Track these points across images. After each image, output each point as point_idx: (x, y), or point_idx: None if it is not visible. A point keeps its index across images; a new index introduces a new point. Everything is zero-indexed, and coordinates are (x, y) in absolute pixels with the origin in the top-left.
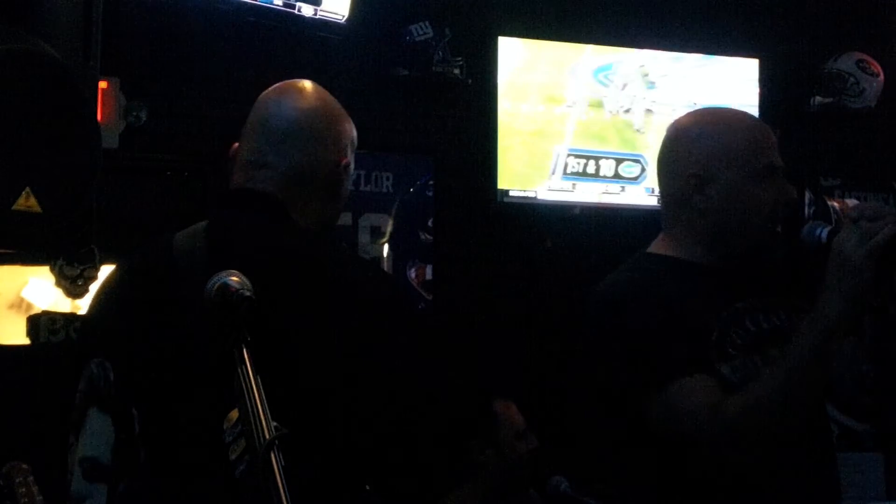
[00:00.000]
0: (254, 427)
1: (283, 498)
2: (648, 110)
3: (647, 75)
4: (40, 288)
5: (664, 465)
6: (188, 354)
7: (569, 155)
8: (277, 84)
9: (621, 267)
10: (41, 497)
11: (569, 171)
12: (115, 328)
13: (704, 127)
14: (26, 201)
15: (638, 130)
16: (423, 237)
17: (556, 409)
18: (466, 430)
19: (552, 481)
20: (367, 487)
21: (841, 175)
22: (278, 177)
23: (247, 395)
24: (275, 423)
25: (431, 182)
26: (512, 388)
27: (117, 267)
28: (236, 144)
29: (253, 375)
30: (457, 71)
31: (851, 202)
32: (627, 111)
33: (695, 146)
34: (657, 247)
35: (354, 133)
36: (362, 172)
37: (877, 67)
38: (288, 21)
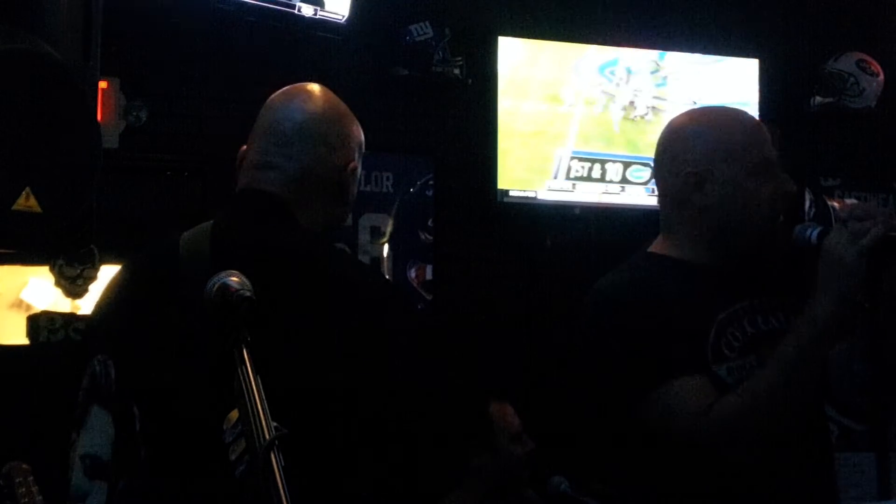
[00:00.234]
0: (254, 427)
1: (283, 498)
2: (654, 108)
3: (656, 71)
4: (40, 288)
5: (661, 465)
6: (189, 354)
7: (572, 158)
8: (286, 87)
9: (621, 266)
10: (41, 497)
11: (572, 175)
12: (117, 327)
13: (700, 125)
14: (26, 201)
15: (643, 120)
16: (423, 237)
17: (556, 409)
18: (465, 432)
19: (552, 481)
20: (368, 488)
21: (841, 175)
22: (285, 179)
23: (247, 396)
24: (275, 424)
25: (431, 182)
26: (511, 388)
27: (123, 267)
28: (244, 147)
29: (253, 375)
30: (457, 71)
31: (851, 202)
32: (635, 109)
33: (691, 145)
34: (657, 246)
35: (362, 136)
36: (362, 172)
37: (877, 67)
38: (288, 21)
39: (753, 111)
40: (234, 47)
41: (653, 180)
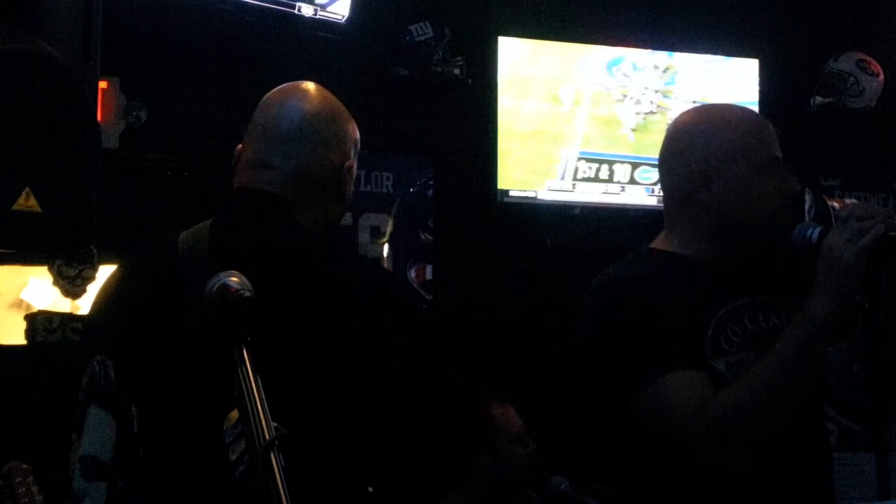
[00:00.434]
0: (254, 427)
1: (283, 498)
2: (660, 106)
3: (667, 70)
4: (40, 288)
5: (659, 463)
6: (189, 355)
7: (579, 159)
8: (282, 85)
9: (621, 261)
10: (41, 497)
11: (579, 176)
12: (117, 327)
13: (706, 123)
14: (26, 201)
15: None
16: (423, 237)
17: (556, 409)
18: (465, 431)
19: (552, 481)
20: (369, 489)
21: (841, 175)
22: (283, 177)
23: (247, 396)
24: (275, 424)
25: (431, 182)
26: (511, 387)
27: (121, 266)
28: (241, 146)
29: (253, 376)
30: (457, 71)
31: (851, 202)
32: (640, 105)
33: (698, 143)
34: (659, 243)
35: (358, 135)
36: (362, 172)
37: (877, 67)
38: (288, 21)
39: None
40: (234, 47)
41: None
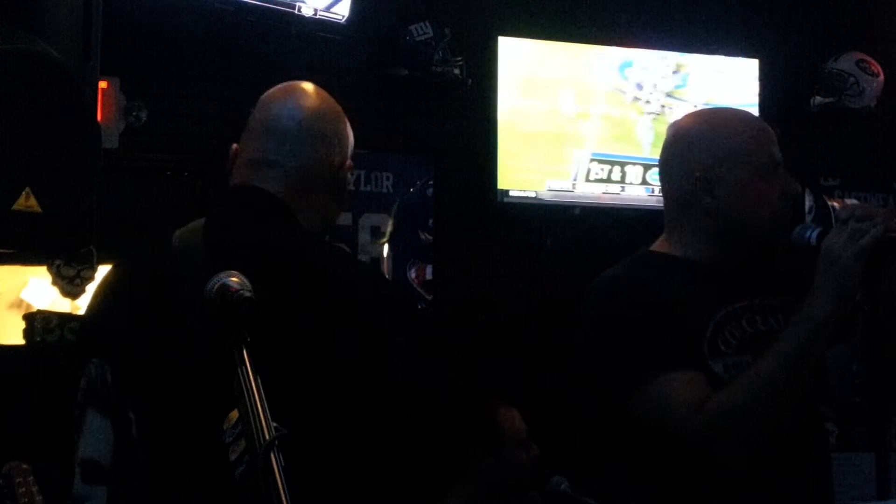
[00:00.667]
0: (254, 428)
1: (283, 498)
2: (668, 107)
3: (677, 71)
4: (40, 288)
5: (657, 463)
6: (187, 355)
7: (591, 160)
8: (280, 85)
9: (621, 262)
10: (41, 497)
11: (591, 177)
12: (113, 329)
13: (706, 128)
14: (26, 201)
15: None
16: (423, 237)
17: (556, 409)
18: (467, 432)
19: (552, 481)
20: (368, 488)
21: (841, 175)
22: (285, 177)
23: (247, 396)
24: (275, 424)
25: (431, 182)
26: (512, 387)
27: (116, 266)
28: (236, 146)
29: (253, 376)
30: (457, 71)
31: (852, 202)
32: (651, 109)
33: (699, 148)
34: (659, 245)
35: (352, 135)
36: (362, 172)
37: (877, 67)
38: (288, 21)
39: (753, 111)
40: (234, 47)
41: None
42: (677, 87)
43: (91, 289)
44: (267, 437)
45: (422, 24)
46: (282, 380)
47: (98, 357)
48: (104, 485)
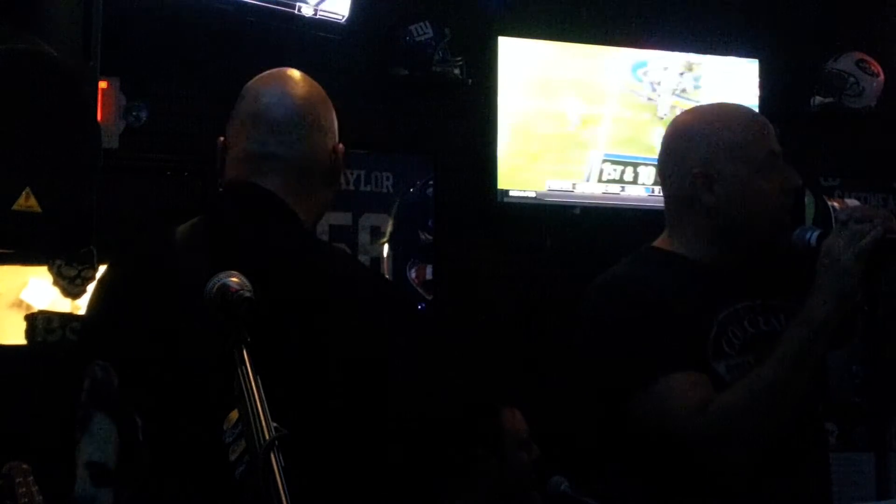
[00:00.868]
0: (254, 428)
1: (283, 499)
2: (677, 107)
3: (688, 72)
4: (40, 288)
5: (658, 463)
6: (188, 355)
7: (604, 161)
8: (264, 73)
9: (623, 260)
10: (41, 497)
11: (604, 178)
12: (115, 329)
13: (704, 124)
14: (26, 201)
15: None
16: (423, 237)
17: (556, 409)
18: (467, 432)
19: (552, 481)
20: (368, 488)
21: (841, 175)
22: (284, 168)
23: (247, 396)
24: (275, 424)
25: (431, 182)
26: (512, 388)
27: (115, 264)
28: (223, 138)
29: (253, 376)
30: (457, 71)
31: (852, 202)
32: (662, 112)
33: (696, 145)
34: (661, 242)
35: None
36: (362, 172)
37: (877, 67)
38: (288, 21)
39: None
40: (234, 47)
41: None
42: (686, 88)
43: (92, 287)
44: (267, 437)
45: (422, 24)
46: (282, 380)
47: (101, 359)
48: (110, 487)
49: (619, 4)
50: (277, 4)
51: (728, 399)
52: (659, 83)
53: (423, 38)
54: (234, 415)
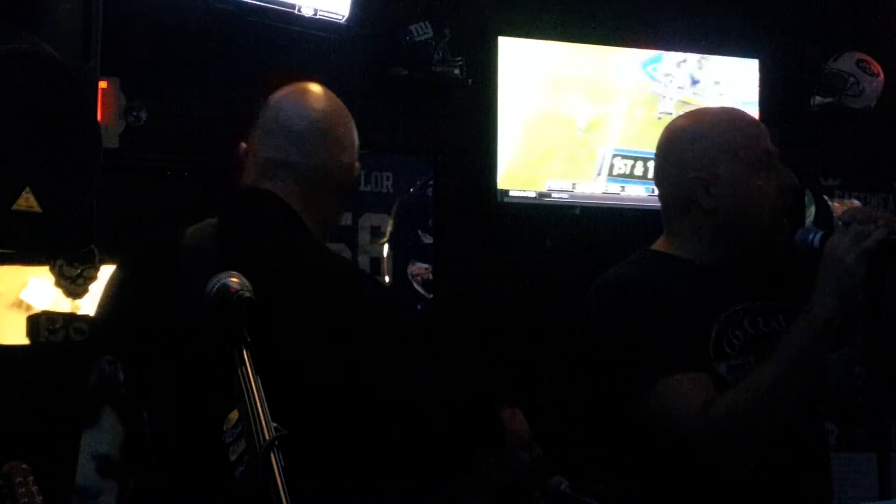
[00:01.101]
0: (254, 428)
1: (283, 499)
2: (687, 102)
3: (699, 70)
4: (40, 288)
5: (659, 463)
6: (190, 355)
7: (615, 156)
8: (289, 86)
9: (623, 262)
10: (41, 497)
11: (615, 172)
12: (123, 327)
13: (699, 127)
14: (26, 201)
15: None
16: (423, 237)
17: (557, 409)
18: (467, 434)
19: (552, 481)
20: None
21: (841, 175)
22: (298, 176)
23: (247, 396)
24: (275, 424)
25: (431, 182)
26: (511, 388)
27: (125, 263)
28: (245, 144)
29: (253, 376)
30: (457, 71)
31: (852, 203)
32: (665, 107)
33: (693, 147)
34: (661, 244)
35: (357, 137)
36: (362, 172)
37: (877, 67)
38: (288, 21)
39: (753, 111)
40: (234, 47)
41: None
42: (686, 86)
43: (94, 289)
44: (267, 437)
45: (422, 24)
46: (282, 382)
47: (110, 354)
48: (115, 479)
49: (620, 4)
50: (277, 4)
51: (730, 399)
52: (670, 78)
53: (423, 38)
54: (234, 415)
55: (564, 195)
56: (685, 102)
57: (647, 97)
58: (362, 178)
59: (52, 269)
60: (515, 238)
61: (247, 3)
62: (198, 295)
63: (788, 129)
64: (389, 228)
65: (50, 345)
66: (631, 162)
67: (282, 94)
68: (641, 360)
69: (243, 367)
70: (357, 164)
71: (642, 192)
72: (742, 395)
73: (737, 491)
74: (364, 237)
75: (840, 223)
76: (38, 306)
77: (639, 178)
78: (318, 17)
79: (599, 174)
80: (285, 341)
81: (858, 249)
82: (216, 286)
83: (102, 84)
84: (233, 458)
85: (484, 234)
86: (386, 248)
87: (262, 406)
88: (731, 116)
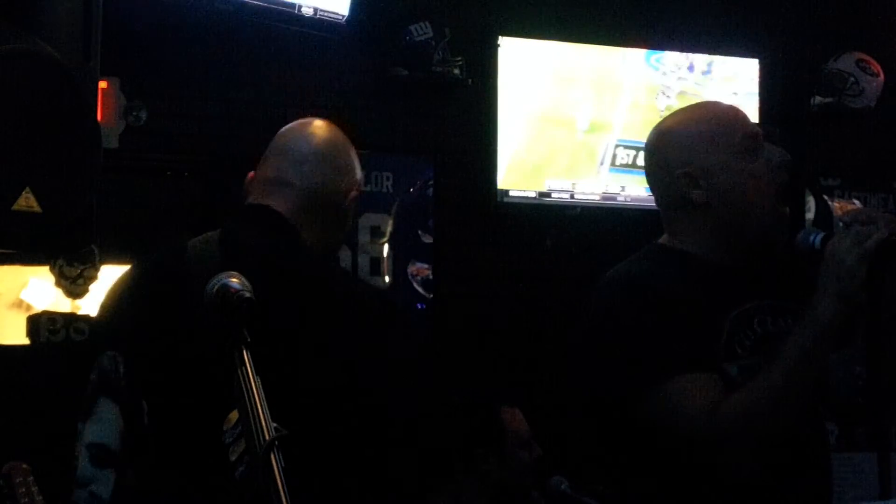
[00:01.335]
0: (254, 428)
1: (283, 499)
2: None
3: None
4: (40, 288)
5: (662, 464)
6: (191, 356)
7: (617, 146)
8: (298, 120)
9: (631, 258)
10: (41, 497)
11: (617, 162)
12: (127, 327)
13: (679, 124)
14: (26, 201)
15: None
16: (423, 237)
17: (557, 409)
18: (467, 434)
19: (552, 481)
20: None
21: (841, 175)
22: (296, 195)
23: (247, 397)
24: (275, 425)
25: (431, 182)
26: (512, 388)
27: (132, 267)
28: (252, 173)
29: (253, 377)
30: (457, 71)
31: (854, 203)
32: (668, 99)
33: (675, 145)
34: (667, 240)
35: (360, 168)
36: (363, 172)
37: (877, 67)
38: (288, 21)
39: (753, 111)
40: (234, 47)
41: None
42: (690, 75)
43: (94, 289)
44: (267, 437)
45: (422, 24)
46: (282, 383)
47: (111, 350)
48: (112, 468)
49: (620, 4)
50: (277, 4)
51: (737, 401)
52: (672, 69)
53: (423, 38)
54: (234, 415)
55: (564, 195)
56: (687, 93)
57: (650, 88)
58: (362, 178)
59: (52, 269)
60: (515, 238)
61: (247, 3)
62: (199, 296)
63: (788, 129)
64: (389, 228)
65: (50, 345)
66: (633, 152)
67: (289, 127)
68: (647, 360)
69: (243, 368)
70: (355, 193)
71: (642, 192)
72: (749, 396)
73: (737, 491)
74: (364, 237)
75: (841, 224)
76: (38, 306)
77: (641, 168)
78: (318, 16)
79: (602, 163)
80: (285, 341)
81: (859, 250)
82: (216, 286)
83: (102, 84)
84: (233, 458)
85: (484, 234)
86: (386, 248)
87: (262, 406)
88: (707, 108)
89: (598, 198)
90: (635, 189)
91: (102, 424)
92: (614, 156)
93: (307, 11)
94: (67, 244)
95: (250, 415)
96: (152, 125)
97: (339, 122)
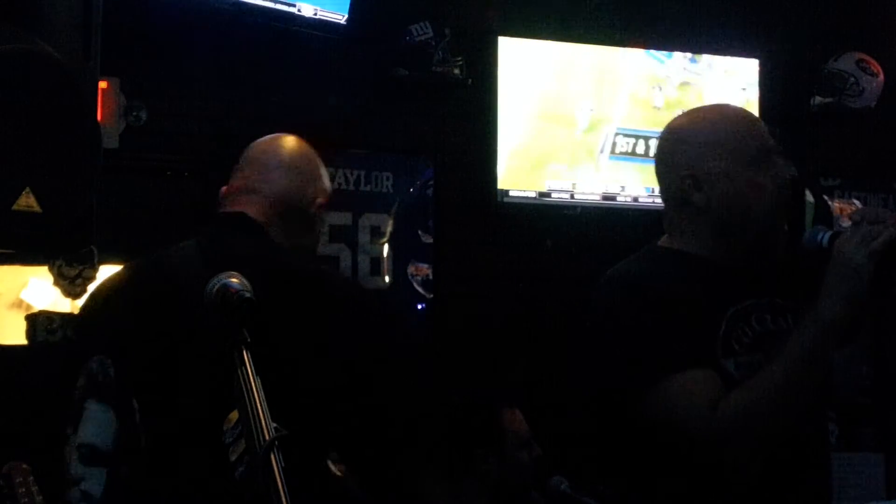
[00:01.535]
0: (254, 428)
1: (283, 498)
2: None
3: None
4: (40, 288)
5: (662, 463)
6: (188, 356)
7: (617, 134)
8: (267, 136)
9: (630, 258)
10: (41, 497)
11: (617, 150)
12: (115, 330)
13: (691, 125)
14: (26, 201)
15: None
16: (423, 237)
17: (557, 409)
18: (467, 434)
19: (552, 481)
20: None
21: (841, 175)
22: (262, 200)
23: (247, 397)
24: (275, 425)
25: (431, 182)
26: (512, 388)
27: (114, 274)
28: (225, 188)
29: (253, 377)
30: (457, 71)
31: (854, 203)
32: (667, 93)
33: (684, 146)
34: (666, 241)
35: (329, 186)
36: (362, 172)
37: (877, 67)
38: (288, 21)
39: (753, 111)
40: (233, 47)
41: None
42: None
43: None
44: (267, 437)
45: (422, 24)
46: (282, 383)
47: (99, 354)
48: (103, 467)
49: (620, 4)
50: (277, 4)
51: (739, 398)
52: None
53: (423, 38)
54: (234, 415)
55: (564, 195)
56: (689, 83)
57: (651, 78)
58: (362, 178)
59: (50, 269)
60: (515, 238)
61: (247, 3)
62: (192, 296)
63: (788, 129)
64: (389, 228)
65: (49, 345)
66: (633, 140)
67: (259, 141)
68: (647, 359)
69: (243, 368)
70: (322, 201)
71: (642, 192)
72: (750, 393)
73: (737, 490)
74: (364, 237)
75: (850, 223)
76: (38, 306)
77: (640, 156)
78: (318, 17)
79: (602, 151)
80: (285, 342)
81: (867, 249)
82: (216, 286)
83: (102, 84)
84: (233, 458)
85: (484, 234)
86: (386, 248)
87: (262, 406)
88: (724, 113)
89: (598, 198)
90: (635, 188)
91: (93, 426)
92: (614, 143)
93: (307, 12)
94: (67, 244)
95: (250, 415)
96: (152, 125)
97: (334, 129)
